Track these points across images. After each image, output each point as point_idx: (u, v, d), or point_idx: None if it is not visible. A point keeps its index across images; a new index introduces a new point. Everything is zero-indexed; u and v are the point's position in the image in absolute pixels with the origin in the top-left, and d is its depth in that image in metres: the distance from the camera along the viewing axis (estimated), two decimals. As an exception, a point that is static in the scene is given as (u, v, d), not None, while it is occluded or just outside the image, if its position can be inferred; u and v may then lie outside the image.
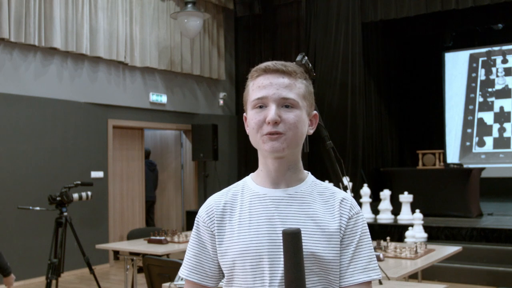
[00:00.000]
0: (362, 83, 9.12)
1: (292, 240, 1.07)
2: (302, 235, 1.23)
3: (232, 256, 1.28)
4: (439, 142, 11.22)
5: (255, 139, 1.30)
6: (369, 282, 1.27)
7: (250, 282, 1.26)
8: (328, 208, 1.29)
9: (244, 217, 1.30)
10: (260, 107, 1.29)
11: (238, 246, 1.27)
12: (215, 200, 1.36)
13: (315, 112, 1.38)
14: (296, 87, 1.30)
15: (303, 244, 1.22)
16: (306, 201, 1.30)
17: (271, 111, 1.26)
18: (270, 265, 1.24)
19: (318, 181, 1.37)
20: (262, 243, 1.25)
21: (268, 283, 1.24)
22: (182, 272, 1.35)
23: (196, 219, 1.37)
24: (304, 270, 1.08)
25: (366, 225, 1.32)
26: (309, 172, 1.38)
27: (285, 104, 1.28)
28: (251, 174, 1.38)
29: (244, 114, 1.36)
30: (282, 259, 1.20)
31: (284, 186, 1.31)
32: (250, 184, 1.35)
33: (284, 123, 1.26)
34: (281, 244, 1.20)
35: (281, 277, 1.23)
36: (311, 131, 1.38)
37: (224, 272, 1.31)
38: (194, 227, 1.37)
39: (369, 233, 1.31)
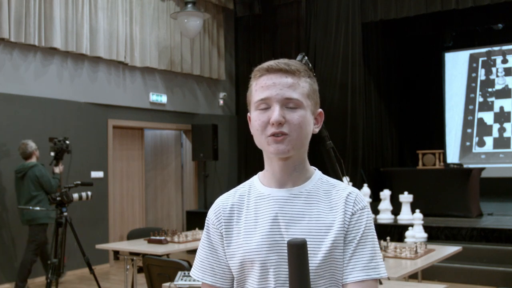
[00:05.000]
0: (362, 83, 9.12)
1: (297, 252, 1.04)
2: (307, 236, 1.22)
3: (239, 258, 1.27)
4: (439, 142, 11.22)
5: (260, 140, 1.28)
6: (371, 281, 1.23)
7: (255, 285, 1.25)
8: (333, 207, 1.27)
9: (249, 219, 1.30)
10: (264, 108, 1.27)
11: (244, 248, 1.27)
12: (222, 202, 1.36)
13: (320, 110, 1.35)
14: (300, 86, 1.28)
15: (308, 245, 1.21)
16: (310, 200, 1.28)
17: (275, 112, 1.24)
18: (275, 267, 1.24)
19: (325, 178, 1.34)
20: (266, 245, 1.25)
21: (273, 286, 1.23)
22: (195, 274, 1.35)
23: (206, 220, 1.37)
24: (310, 282, 1.06)
25: (371, 222, 1.28)
26: (316, 169, 1.36)
27: (289, 104, 1.26)
28: (259, 173, 1.37)
29: (248, 114, 1.34)
30: (287, 261, 1.19)
31: (290, 186, 1.30)
32: (256, 184, 1.35)
33: (288, 124, 1.25)
34: (285, 245, 1.19)
35: (284, 279, 1.23)
36: (317, 130, 1.36)
37: (234, 274, 1.31)
38: (204, 228, 1.37)
39: (373, 231, 1.27)
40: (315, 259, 1.22)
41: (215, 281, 1.32)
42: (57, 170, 6.05)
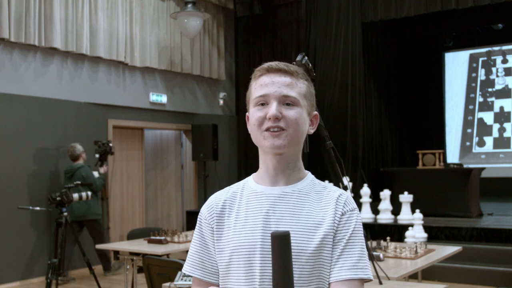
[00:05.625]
0: (362, 83, 9.12)
1: (280, 243, 1.06)
2: (296, 233, 1.25)
3: (228, 252, 1.30)
4: (439, 142, 11.22)
5: (256, 135, 1.32)
6: (357, 281, 1.25)
7: (242, 279, 1.27)
8: (324, 206, 1.30)
9: (240, 214, 1.32)
10: (262, 104, 1.31)
11: (233, 243, 1.29)
12: (215, 198, 1.39)
13: (315, 112, 1.40)
14: (298, 86, 1.33)
15: (297, 242, 1.23)
16: (302, 199, 1.31)
17: (272, 107, 1.29)
18: (261, 262, 1.26)
19: (318, 181, 1.38)
20: (255, 240, 1.27)
21: (258, 281, 1.25)
22: (185, 268, 1.38)
23: (198, 216, 1.40)
24: (292, 273, 1.07)
25: (360, 223, 1.31)
26: (309, 172, 1.39)
27: (286, 101, 1.30)
28: (253, 174, 1.40)
29: (247, 113, 1.38)
30: None
31: (282, 184, 1.33)
32: (250, 183, 1.38)
33: (285, 120, 1.29)
34: None
35: (270, 276, 1.23)
36: (312, 131, 1.40)
37: (220, 269, 1.33)
38: (197, 224, 1.40)
39: (362, 232, 1.30)
40: (303, 255, 1.24)
41: (204, 275, 1.35)
42: (102, 170, 6.88)
